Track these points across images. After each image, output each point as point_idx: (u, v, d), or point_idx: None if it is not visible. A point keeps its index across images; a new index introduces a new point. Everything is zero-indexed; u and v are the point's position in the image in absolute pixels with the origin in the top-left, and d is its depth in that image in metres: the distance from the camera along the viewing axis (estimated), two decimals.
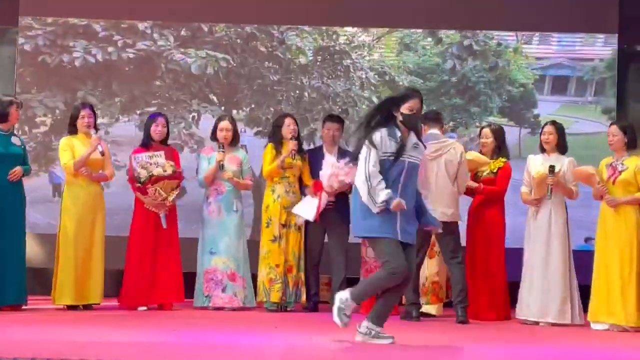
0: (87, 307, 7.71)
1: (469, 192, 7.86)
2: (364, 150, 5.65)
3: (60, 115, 9.52)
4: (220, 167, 8.00)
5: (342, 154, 8.08)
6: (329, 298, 8.19)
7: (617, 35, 9.58)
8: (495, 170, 7.82)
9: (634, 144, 7.35)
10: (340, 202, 8.03)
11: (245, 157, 8.27)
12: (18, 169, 7.44)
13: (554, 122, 7.77)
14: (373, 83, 9.71)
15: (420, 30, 9.74)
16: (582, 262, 7.90)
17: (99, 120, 9.04)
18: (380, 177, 5.55)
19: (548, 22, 9.60)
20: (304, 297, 8.08)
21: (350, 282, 8.13)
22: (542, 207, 7.51)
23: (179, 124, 9.68)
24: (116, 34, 9.71)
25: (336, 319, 5.59)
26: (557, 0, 9.50)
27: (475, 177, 7.87)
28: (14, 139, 7.63)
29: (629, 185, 7.19)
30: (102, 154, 7.74)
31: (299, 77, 9.76)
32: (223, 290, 7.94)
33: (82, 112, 7.79)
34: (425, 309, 7.78)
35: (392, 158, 5.57)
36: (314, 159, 8.11)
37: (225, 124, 8.14)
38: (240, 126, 9.40)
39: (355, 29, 9.79)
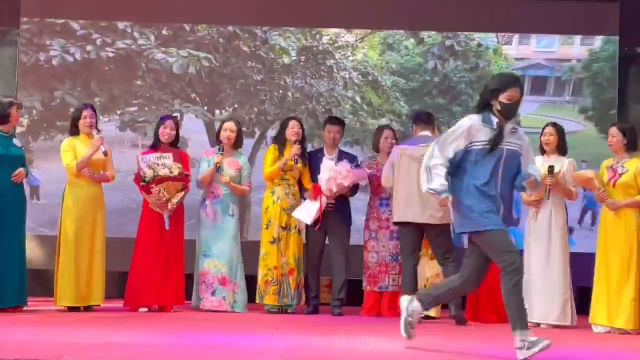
0: (87, 308, 7.71)
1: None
2: (442, 137, 5.42)
3: (37, 116, 9.52)
4: (218, 169, 7.99)
5: (341, 155, 8.11)
6: (329, 300, 8.20)
7: (617, 37, 9.63)
8: None
9: (634, 145, 7.34)
10: (341, 204, 8.06)
11: (246, 163, 8.25)
12: (21, 170, 7.44)
13: (554, 124, 7.79)
14: (356, 83, 9.75)
15: (402, 31, 9.77)
16: (582, 264, 7.97)
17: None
18: (443, 166, 5.34)
19: (549, 23, 9.64)
20: (303, 300, 8.10)
21: (350, 284, 8.16)
22: (542, 208, 7.53)
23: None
24: (95, 32, 9.70)
25: (403, 333, 5.42)
26: (561, 3, 9.52)
27: None
28: (15, 141, 7.63)
29: (629, 187, 7.19)
30: (105, 154, 7.76)
31: (282, 77, 9.79)
32: (212, 294, 7.94)
33: (84, 113, 7.81)
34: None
35: (487, 146, 5.31)
36: (314, 161, 8.12)
37: (229, 124, 8.15)
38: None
39: (339, 29, 9.80)
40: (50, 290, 7.88)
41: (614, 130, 7.40)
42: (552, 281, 7.44)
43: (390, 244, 7.95)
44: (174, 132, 8.05)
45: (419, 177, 7.28)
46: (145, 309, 7.84)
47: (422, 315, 5.50)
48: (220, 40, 9.79)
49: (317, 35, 9.78)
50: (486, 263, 5.44)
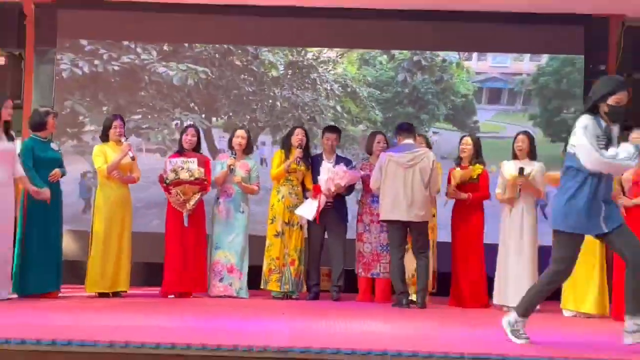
0: (116, 294, 7.68)
1: (453, 195, 7.86)
2: (580, 133, 5.01)
3: None
4: (231, 171, 7.96)
5: (338, 159, 8.10)
6: (329, 287, 8.17)
7: (583, 56, 9.63)
8: (475, 177, 7.81)
9: None
10: (339, 203, 8.05)
11: (255, 165, 8.21)
12: (57, 171, 7.40)
13: (526, 132, 7.84)
14: (337, 94, 9.72)
15: (377, 50, 9.76)
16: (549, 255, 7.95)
17: (86, 127, 9.11)
18: (607, 150, 4.94)
19: (523, 44, 9.66)
20: (304, 288, 8.06)
21: (347, 273, 8.14)
22: (516, 207, 7.51)
23: (162, 131, 9.64)
24: (102, 48, 9.64)
25: (517, 341, 5.01)
26: (535, 26, 9.53)
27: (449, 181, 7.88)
28: (53, 145, 7.62)
29: None
30: (133, 158, 7.75)
31: (272, 88, 9.74)
32: (220, 280, 7.91)
33: (114, 123, 7.82)
34: (414, 297, 7.76)
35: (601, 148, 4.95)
36: (315, 164, 8.09)
37: (241, 132, 8.15)
38: (219, 132, 9.52)
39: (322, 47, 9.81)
40: (79, 279, 7.85)
41: None
42: (523, 270, 7.41)
43: (381, 236, 7.93)
44: (195, 139, 8.03)
45: (405, 180, 7.37)
46: (172, 296, 7.81)
47: (524, 321, 5.16)
48: (216, 55, 9.74)
49: (302, 52, 9.77)
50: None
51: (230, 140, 8.20)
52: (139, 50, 9.68)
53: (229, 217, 8.01)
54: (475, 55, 9.66)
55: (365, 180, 7.97)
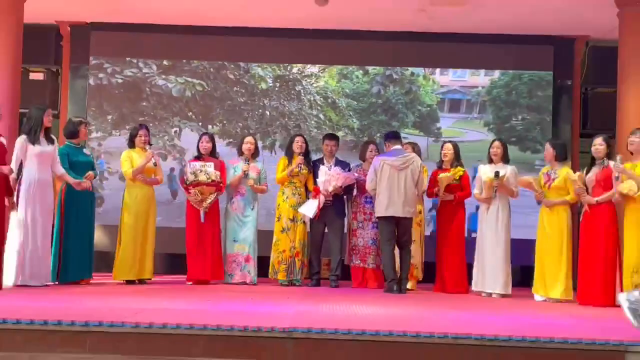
0: (141, 281, 7.69)
1: (435, 195, 7.88)
2: None
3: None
4: (245, 175, 7.96)
5: (337, 163, 8.09)
6: (328, 275, 8.17)
7: (552, 72, 9.64)
8: (457, 178, 7.82)
9: (564, 156, 7.36)
10: (337, 201, 8.04)
11: (263, 168, 8.22)
12: (90, 173, 7.41)
13: (500, 139, 7.86)
14: (319, 104, 9.73)
15: (354, 66, 9.81)
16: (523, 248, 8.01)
17: (93, 135, 9.10)
18: None
19: (498, 61, 9.72)
20: (307, 276, 8.07)
21: (344, 263, 8.14)
22: (492, 205, 7.51)
23: (163, 137, 9.62)
24: (105, 62, 9.63)
25: (633, 321, 4.34)
26: (508, 46, 9.59)
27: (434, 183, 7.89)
28: (85, 150, 7.65)
29: (560, 189, 7.18)
30: (155, 164, 7.78)
31: (261, 99, 9.73)
32: (240, 269, 7.93)
33: (140, 132, 7.84)
34: (409, 285, 7.78)
35: None
36: (315, 168, 8.09)
37: (250, 139, 8.16)
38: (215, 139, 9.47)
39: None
40: (109, 268, 7.86)
41: (547, 145, 7.45)
42: (498, 260, 7.42)
43: (372, 232, 7.95)
44: (209, 145, 8.03)
45: (398, 181, 7.37)
46: (190, 283, 7.82)
47: None
48: (211, 70, 9.72)
49: (289, 67, 9.79)
50: None
51: (239, 147, 8.19)
52: (140, 64, 9.67)
53: (242, 213, 8.01)
54: (438, 70, 9.74)
55: (359, 183, 7.98)
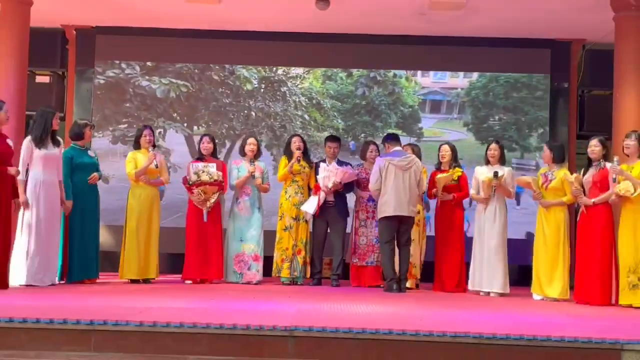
0: (146, 281, 7.69)
1: (434, 196, 7.88)
2: None
3: None
4: (253, 177, 7.96)
5: (339, 164, 8.09)
6: (330, 275, 8.17)
7: (549, 75, 9.65)
8: (456, 179, 7.82)
9: (562, 158, 7.37)
10: (340, 201, 8.05)
11: (265, 167, 8.23)
12: (95, 174, 7.42)
13: (497, 142, 7.85)
14: (304, 105, 9.72)
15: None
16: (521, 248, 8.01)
17: None
18: None
19: (494, 63, 9.72)
20: (308, 274, 8.06)
21: (345, 262, 8.13)
22: (489, 205, 7.51)
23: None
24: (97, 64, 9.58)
25: None
26: (508, 49, 9.61)
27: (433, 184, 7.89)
28: (90, 152, 7.63)
29: (557, 190, 7.18)
30: (157, 166, 7.76)
31: (247, 100, 9.69)
32: (249, 269, 7.92)
33: (144, 132, 7.84)
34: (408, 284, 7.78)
35: None
36: (319, 168, 8.07)
37: (252, 140, 8.15)
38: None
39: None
40: (114, 267, 7.85)
41: (545, 147, 7.47)
42: (496, 260, 7.42)
43: (374, 231, 7.93)
44: (210, 146, 8.03)
45: (403, 181, 7.36)
46: (189, 282, 7.81)
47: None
48: (196, 71, 9.68)
49: (274, 68, 9.76)
50: None
51: (242, 147, 8.19)
52: (123, 65, 9.62)
53: (248, 213, 8.01)
54: (419, 72, 9.76)
55: (361, 182, 7.98)
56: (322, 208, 7.91)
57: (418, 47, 9.60)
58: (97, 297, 6.09)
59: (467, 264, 7.73)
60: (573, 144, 9.57)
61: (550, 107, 9.63)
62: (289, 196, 8.05)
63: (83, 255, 7.28)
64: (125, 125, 9.50)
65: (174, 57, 9.67)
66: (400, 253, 7.49)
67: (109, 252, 8.84)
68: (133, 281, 7.62)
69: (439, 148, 8.06)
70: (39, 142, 6.79)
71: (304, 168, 8.07)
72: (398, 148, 7.62)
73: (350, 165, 8.26)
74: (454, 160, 7.92)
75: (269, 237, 8.15)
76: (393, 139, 7.71)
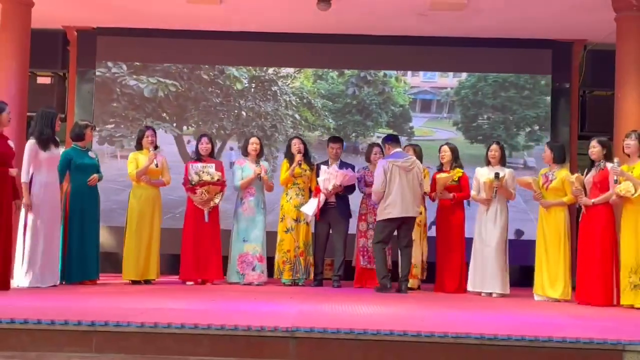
0: (147, 281, 7.69)
1: (440, 197, 7.88)
2: None
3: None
4: (259, 178, 7.97)
5: (341, 165, 8.08)
6: (331, 276, 8.16)
7: (550, 75, 9.64)
8: (456, 179, 7.82)
9: (562, 159, 7.36)
10: (342, 203, 8.05)
11: (268, 166, 8.23)
12: (95, 176, 7.42)
13: (498, 143, 7.83)
14: (294, 104, 9.69)
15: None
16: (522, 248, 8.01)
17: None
18: None
19: (495, 64, 9.71)
20: (312, 275, 8.06)
21: (347, 263, 8.13)
22: (491, 206, 7.51)
23: (135, 139, 9.49)
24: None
25: None
26: (509, 50, 9.60)
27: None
28: (90, 153, 7.62)
29: (558, 191, 7.18)
30: (157, 166, 7.75)
31: (237, 99, 9.66)
32: (253, 269, 7.91)
33: (147, 133, 7.84)
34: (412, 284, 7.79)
35: None
36: (319, 170, 8.05)
37: (255, 140, 8.16)
38: (187, 140, 9.46)
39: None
40: (118, 268, 7.85)
41: (546, 147, 7.47)
42: (496, 259, 7.41)
43: None
44: (209, 146, 8.03)
45: (407, 182, 7.35)
46: (191, 283, 7.80)
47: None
48: (185, 70, 9.64)
49: (264, 67, 9.74)
50: None
51: (244, 147, 8.19)
52: (109, 64, 9.57)
53: (252, 213, 8.00)
54: (409, 72, 9.78)
55: (370, 184, 7.89)
56: (324, 209, 7.91)
57: (418, 48, 9.60)
58: (99, 298, 6.09)
59: (468, 265, 7.70)
60: (574, 145, 9.57)
61: (552, 108, 9.63)
62: (290, 198, 8.05)
63: (82, 257, 7.27)
64: (112, 126, 9.45)
65: (175, 59, 9.65)
66: (402, 255, 7.48)
67: (110, 253, 8.83)
68: (134, 282, 7.62)
69: (439, 149, 8.06)
70: (44, 145, 6.79)
71: (305, 171, 8.07)
72: (399, 149, 7.62)
73: (353, 167, 8.25)
74: (454, 160, 7.91)
75: (270, 238, 8.14)
76: (393, 140, 7.69)
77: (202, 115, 9.63)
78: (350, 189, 8.06)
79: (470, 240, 7.73)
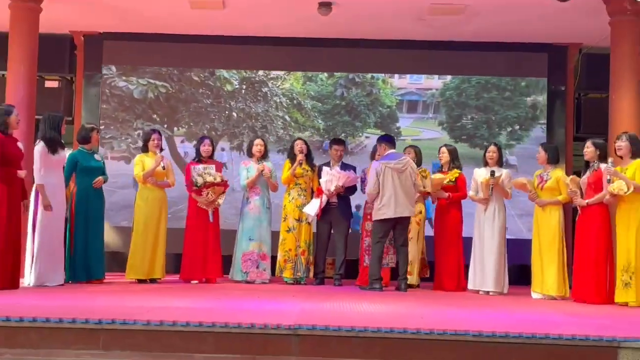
0: (152, 280, 7.69)
1: (436, 196, 7.88)
2: None
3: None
4: (263, 175, 7.98)
5: (343, 167, 8.08)
6: (332, 274, 8.16)
7: (546, 78, 9.64)
8: (453, 180, 7.83)
9: (556, 159, 7.37)
10: (344, 203, 8.05)
11: (273, 167, 8.24)
12: (100, 178, 7.43)
13: (496, 144, 7.83)
14: (285, 106, 9.69)
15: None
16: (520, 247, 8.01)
17: None
18: None
19: (492, 67, 9.71)
20: (312, 274, 8.06)
21: (348, 262, 8.13)
22: (489, 206, 7.50)
23: (126, 140, 9.45)
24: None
25: None
26: (506, 53, 9.61)
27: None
28: (96, 156, 7.63)
29: (553, 190, 7.19)
30: (163, 168, 7.76)
31: (228, 101, 9.63)
32: (257, 267, 7.93)
33: (153, 136, 7.86)
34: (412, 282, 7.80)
35: None
36: (321, 172, 8.05)
37: (259, 141, 8.17)
38: (181, 140, 9.44)
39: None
40: (124, 268, 7.85)
41: (540, 148, 7.48)
42: (495, 260, 7.40)
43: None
44: (210, 148, 8.04)
45: (401, 183, 7.35)
46: (196, 281, 7.81)
47: None
48: (175, 72, 9.61)
49: (255, 69, 9.71)
50: None
51: (249, 149, 8.20)
52: (113, 68, 9.53)
53: (258, 212, 8.00)
54: (397, 74, 9.80)
55: None
56: (325, 209, 7.91)
57: (415, 52, 9.61)
58: (105, 297, 6.09)
59: (467, 264, 7.70)
60: (570, 146, 9.57)
61: (548, 110, 9.64)
62: (292, 198, 8.05)
63: (86, 257, 7.27)
64: (102, 127, 9.38)
65: (180, 62, 9.65)
66: (399, 254, 7.48)
67: (117, 253, 8.83)
68: (140, 281, 7.62)
69: (438, 150, 8.07)
70: (53, 148, 6.80)
71: (307, 171, 8.07)
72: (394, 150, 7.61)
73: (354, 168, 8.25)
74: (453, 161, 7.91)
75: (272, 238, 8.13)
76: (389, 141, 7.67)
77: (193, 117, 9.61)
78: (351, 189, 8.07)
79: (469, 240, 7.72)
